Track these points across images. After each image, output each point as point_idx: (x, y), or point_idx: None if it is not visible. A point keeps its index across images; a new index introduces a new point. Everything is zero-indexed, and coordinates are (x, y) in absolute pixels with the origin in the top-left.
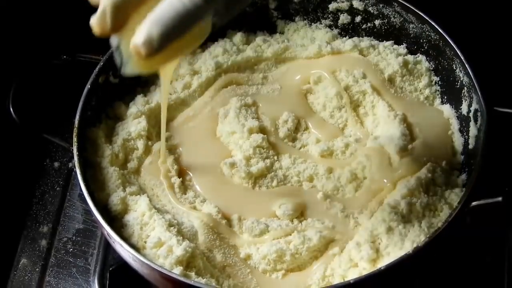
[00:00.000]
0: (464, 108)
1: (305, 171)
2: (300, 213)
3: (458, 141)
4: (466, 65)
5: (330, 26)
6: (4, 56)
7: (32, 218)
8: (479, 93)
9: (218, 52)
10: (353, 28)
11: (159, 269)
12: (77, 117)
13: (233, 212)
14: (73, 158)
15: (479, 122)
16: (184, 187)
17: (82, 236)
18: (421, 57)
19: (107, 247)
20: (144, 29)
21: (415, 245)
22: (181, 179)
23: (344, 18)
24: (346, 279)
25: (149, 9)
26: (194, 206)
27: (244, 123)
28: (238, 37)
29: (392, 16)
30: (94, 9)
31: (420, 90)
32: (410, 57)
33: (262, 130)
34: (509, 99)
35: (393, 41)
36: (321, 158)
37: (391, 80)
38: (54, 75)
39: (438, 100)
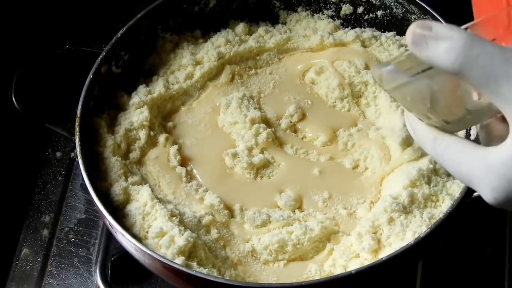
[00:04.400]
0: None
1: None
2: (301, 204)
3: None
4: None
5: (332, 17)
6: (6, 45)
7: (34, 208)
8: None
9: (221, 42)
10: (355, 19)
11: (161, 259)
12: (80, 107)
13: (235, 202)
14: (75, 148)
15: None
16: (188, 177)
17: (84, 226)
18: None
19: (109, 237)
20: None
21: (416, 236)
22: (185, 169)
23: (346, 9)
24: (348, 270)
25: None
26: (201, 197)
27: (246, 114)
28: (241, 27)
29: (394, 7)
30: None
31: None
32: None
33: (264, 120)
34: None
35: (395, 32)
36: (323, 148)
37: None
38: (56, 65)
39: None
